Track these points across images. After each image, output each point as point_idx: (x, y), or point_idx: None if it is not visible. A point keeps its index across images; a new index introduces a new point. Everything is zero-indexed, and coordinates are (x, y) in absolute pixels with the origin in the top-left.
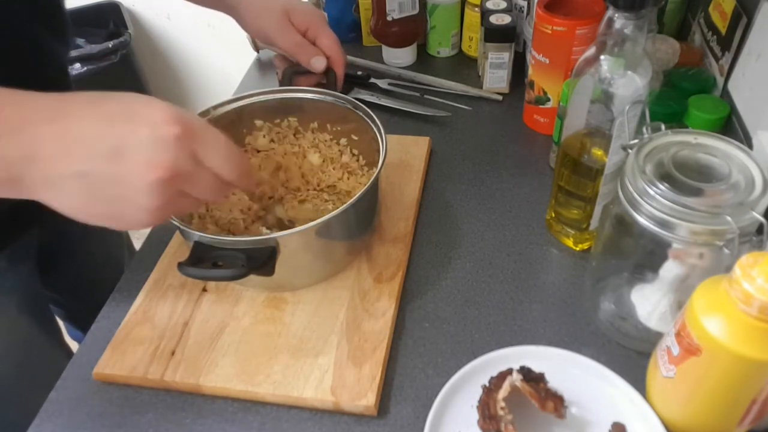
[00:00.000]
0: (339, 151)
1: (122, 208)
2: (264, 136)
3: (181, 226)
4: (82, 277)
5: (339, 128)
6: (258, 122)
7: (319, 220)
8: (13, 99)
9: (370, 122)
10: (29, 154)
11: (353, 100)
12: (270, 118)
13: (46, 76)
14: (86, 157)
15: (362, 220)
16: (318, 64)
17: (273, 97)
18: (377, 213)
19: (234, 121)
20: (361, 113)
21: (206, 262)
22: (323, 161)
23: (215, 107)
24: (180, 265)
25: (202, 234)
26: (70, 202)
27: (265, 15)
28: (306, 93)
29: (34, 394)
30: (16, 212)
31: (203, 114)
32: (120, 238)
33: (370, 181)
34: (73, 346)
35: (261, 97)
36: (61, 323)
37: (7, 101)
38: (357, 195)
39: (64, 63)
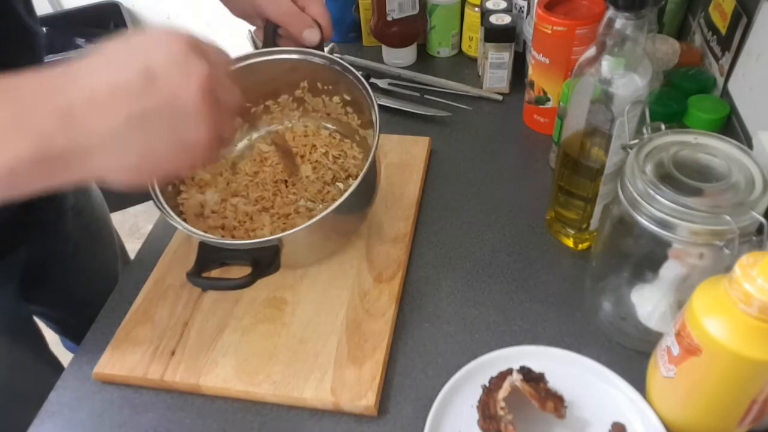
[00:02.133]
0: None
1: (181, 132)
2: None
3: (186, 229)
4: (74, 294)
5: (330, 87)
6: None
7: (319, 216)
8: (19, 79)
9: (360, 87)
10: (68, 120)
11: (341, 61)
12: (258, 89)
13: (22, 56)
14: (124, 100)
15: (363, 200)
16: (312, 36)
17: (259, 60)
18: (378, 188)
19: None
20: (351, 77)
21: (214, 263)
22: (314, 169)
23: None
24: (188, 275)
25: (206, 236)
26: (135, 153)
27: None
28: (293, 54)
29: (23, 414)
30: (5, 232)
31: None
32: (113, 251)
33: (366, 166)
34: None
35: (247, 61)
36: (57, 337)
37: (14, 83)
38: (353, 185)
39: (39, 46)
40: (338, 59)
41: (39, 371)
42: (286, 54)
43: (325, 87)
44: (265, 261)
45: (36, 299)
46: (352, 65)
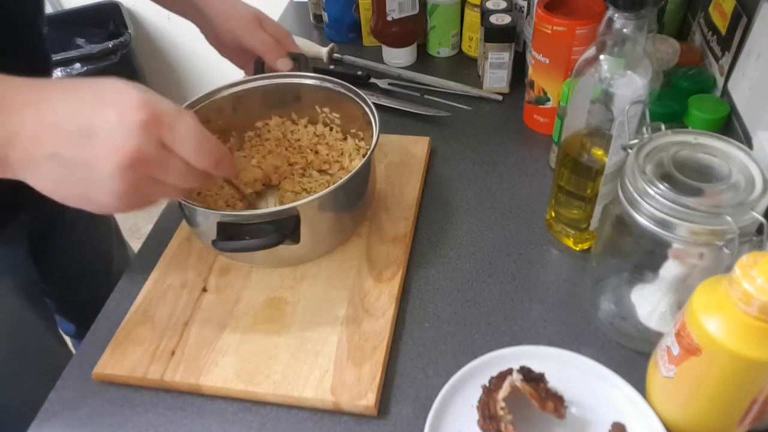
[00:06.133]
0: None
1: (90, 189)
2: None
3: (201, 207)
4: (69, 267)
5: (327, 109)
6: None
7: (332, 187)
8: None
9: (353, 96)
10: (13, 134)
11: (333, 79)
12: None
13: (24, 45)
14: (57, 139)
15: (358, 191)
16: (284, 65)
17: (257, 84)
18: (373, 183)
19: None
20: (344, 90)
21: (234, 239)
22: (317, 135)
23: (199, 99)
24: (214, 242)
25: (225, 213)
26: (45, 182)
27: (236, 17)
28: (289, 78)
29: (30, 379)
30: (7, 195)
31: (196, 103)
32: (108, 230)
33: (368, 155)
34: (65, 339)
35: (247, 85)
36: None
37: None
38: (356, 168)
39: (39, 29)
40: (327, 78)
41: (48, 342)
42: (283, 78)
43: (324, 109)
44: (288, 229)
45: (39, 273)
46: (351, 65)
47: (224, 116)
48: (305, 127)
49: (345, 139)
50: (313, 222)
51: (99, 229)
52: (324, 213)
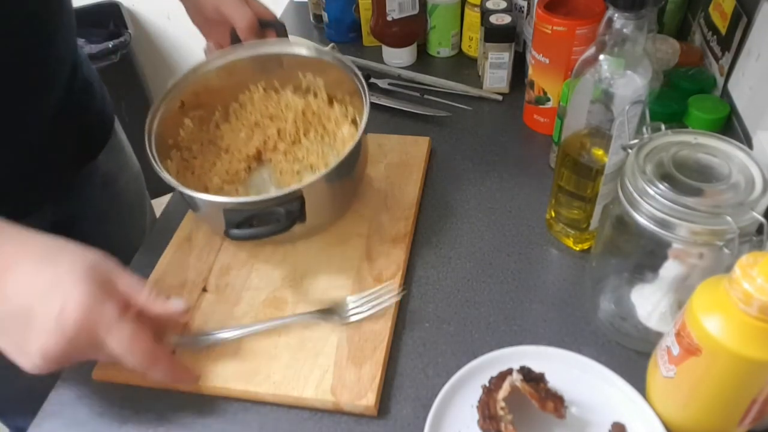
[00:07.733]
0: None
1: (22, 349)
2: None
3: (204, 197)
4: None
5: (310, 75)
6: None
7: (331, 167)
8: None
9: (336, 62)
10: None
11: (316, 45)
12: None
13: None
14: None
15: (354, 164)
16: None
17: (245, 54)
18: (365, 159)
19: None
20: (328, 58)
21: (243, 225)
22: (302, 102)
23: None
24: (227, 232)
25: (229, 200)
26: None
27: None
28: (269, 47)
29: (25, 374)
30: (28, 187)
31: (182, 81)
32: (141, 225)
33: (358, 134)
34: None
35: (231, 57)
36: None
37: None
38: (350, 146)
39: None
40: (322, 48)
41: None
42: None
43: (309, 77)
44: (295, 211)
45: None
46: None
47: (210, 91)
48: (290, 94)
49: (331, 104)
50: (316, 198)
51: (130, 226)
52: (326, 187)
